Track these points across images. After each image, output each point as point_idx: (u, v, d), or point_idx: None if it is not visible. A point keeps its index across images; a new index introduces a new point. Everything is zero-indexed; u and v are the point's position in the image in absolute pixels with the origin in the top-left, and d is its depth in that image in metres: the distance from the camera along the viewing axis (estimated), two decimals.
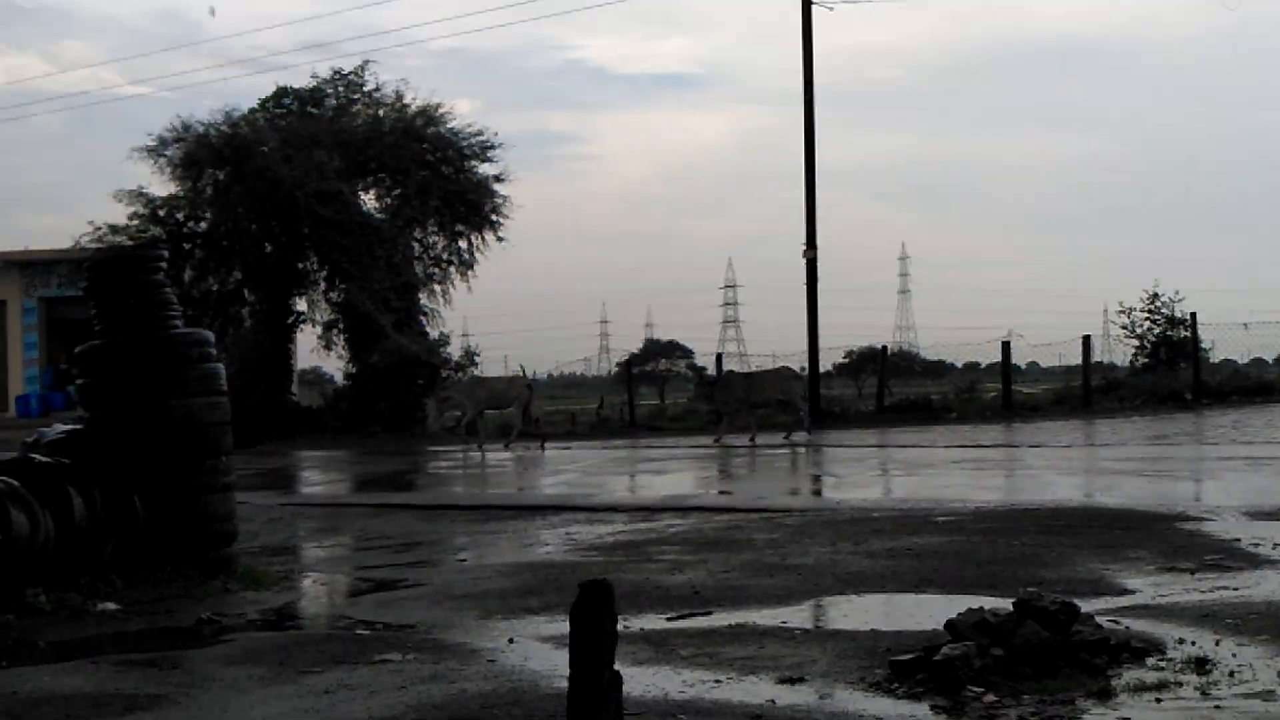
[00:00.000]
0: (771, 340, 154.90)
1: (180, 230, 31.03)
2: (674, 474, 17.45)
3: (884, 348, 34.09)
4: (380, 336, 29.53)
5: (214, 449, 8.94)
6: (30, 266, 39.31)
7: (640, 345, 66.19)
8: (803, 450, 21.16)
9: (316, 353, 32.08)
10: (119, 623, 7.53)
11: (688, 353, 62.33)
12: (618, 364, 58.20)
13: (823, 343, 29.61)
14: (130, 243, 29.91)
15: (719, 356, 34.94)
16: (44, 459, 8.35)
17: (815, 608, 7.29)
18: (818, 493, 14.76)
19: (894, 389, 33.19)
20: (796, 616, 6.93)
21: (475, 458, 22.32)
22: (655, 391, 54.33)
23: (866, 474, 16.29)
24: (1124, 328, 32.68)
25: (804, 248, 29.33)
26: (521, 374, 26.68)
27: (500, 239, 32.24)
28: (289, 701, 5.42)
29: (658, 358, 62.45)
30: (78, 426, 9.17)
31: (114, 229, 30.57)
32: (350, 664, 6.11)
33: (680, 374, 63.45)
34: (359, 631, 7.10)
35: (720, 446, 22.52)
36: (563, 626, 5.58)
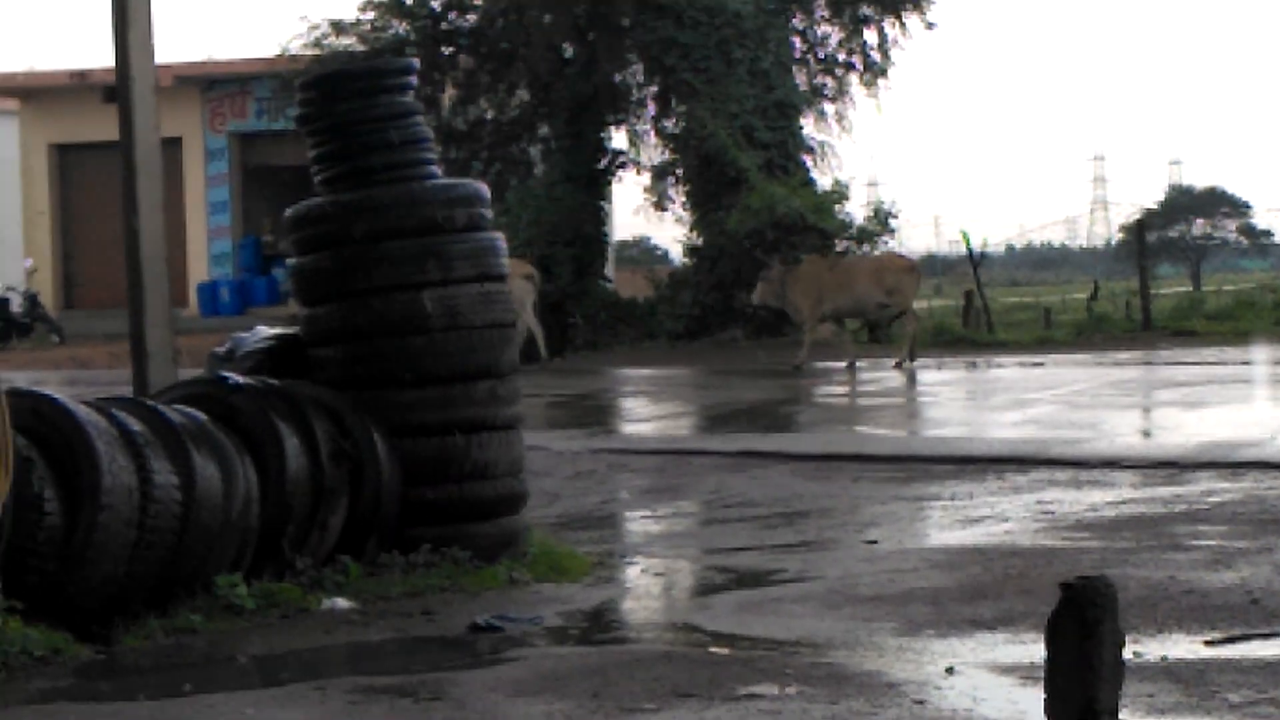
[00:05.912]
0: None
1: (436, 28, 32.03)
2: (1218, 407, 17.07)
3: None
4: (740, 187, 29.80)
5: (489, 364, 9.22)
6: (216, 86, 40.24)
7: (1160, 197, 64.79)
8: None
9: (643, 215, 32.68)
10: (355, 629, 7.91)
11: (1240, 208, 60.71)
12: (1121, 228, 57.24)
13: None
14: (363, 49, 31.04)
15: None
16: (242, 381, 8.79)
17: None
18: None
19: None
20: None
21: (882, 380, 22.39)
22: (1186, 272, 53.20)
23: None
24: None
25: None
26: (527, 261, 26.44)
27: (929, 25, 32.04)
28: None
29: (1189, 216, 61.05)
30: (291, 331, 9.61)
31: (339, 27, 31.82)
32: (701, 699, 6.26)
33: (1229, 243, 61.87)
34: (712, 649, 7.26)
35: (801, 373, 23.08)
36: (1033, 650, 5.53)
